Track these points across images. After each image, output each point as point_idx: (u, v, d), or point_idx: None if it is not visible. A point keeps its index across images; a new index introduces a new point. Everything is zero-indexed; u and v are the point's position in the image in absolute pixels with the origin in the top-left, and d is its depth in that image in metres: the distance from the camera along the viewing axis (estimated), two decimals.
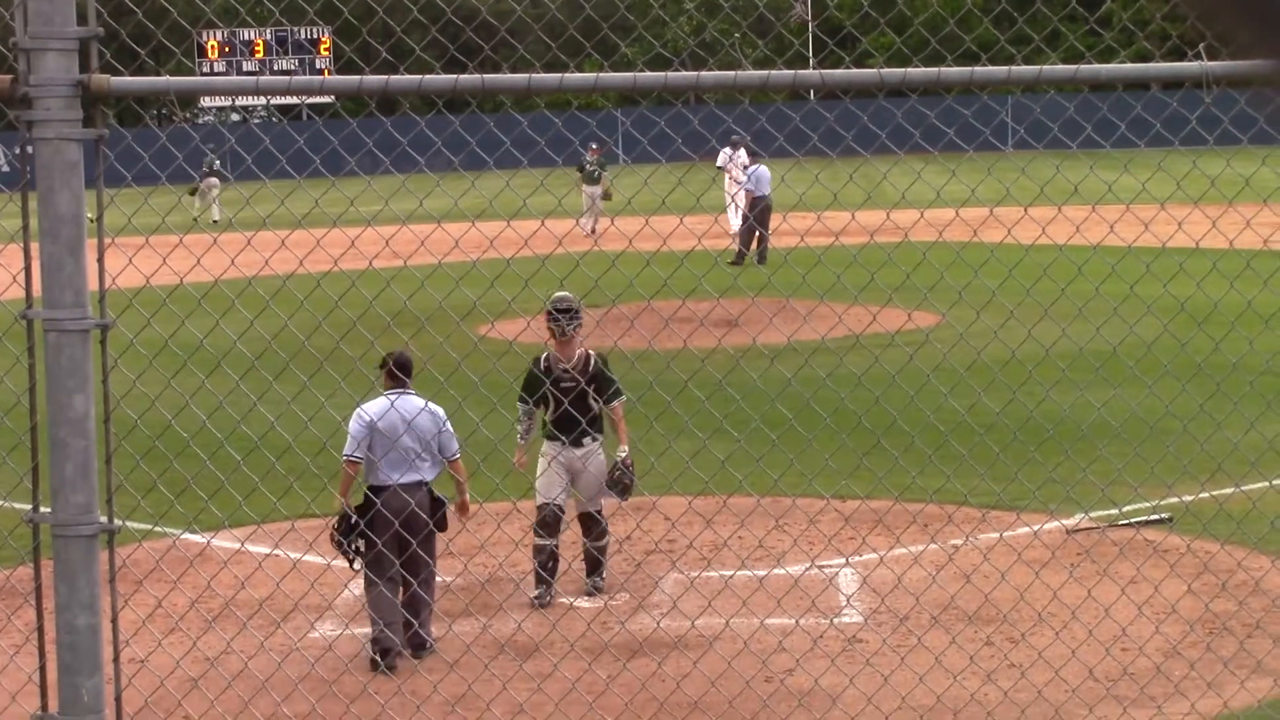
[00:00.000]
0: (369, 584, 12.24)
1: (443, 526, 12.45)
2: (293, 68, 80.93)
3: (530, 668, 12.26)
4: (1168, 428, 16.60)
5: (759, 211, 38.68)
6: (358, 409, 12.41)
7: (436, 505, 12.38)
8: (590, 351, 14.08)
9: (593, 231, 43.18)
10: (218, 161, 58.82)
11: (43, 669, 6.24)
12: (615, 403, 13.89)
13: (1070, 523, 15.39)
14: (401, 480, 12.20)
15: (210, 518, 14.67)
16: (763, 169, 39.65)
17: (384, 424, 12.20)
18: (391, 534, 11.92)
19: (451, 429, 12.45)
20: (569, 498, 13.89)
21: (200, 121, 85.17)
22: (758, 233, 38.52)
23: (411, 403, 12.24)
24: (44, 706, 6.13)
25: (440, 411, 12.42)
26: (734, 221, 45.03)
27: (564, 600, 13.74)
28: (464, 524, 12.83)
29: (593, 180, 45.41)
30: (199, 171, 57.49)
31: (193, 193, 57.19)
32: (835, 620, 13.16)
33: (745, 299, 24.47)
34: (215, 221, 52.54)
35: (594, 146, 47.59)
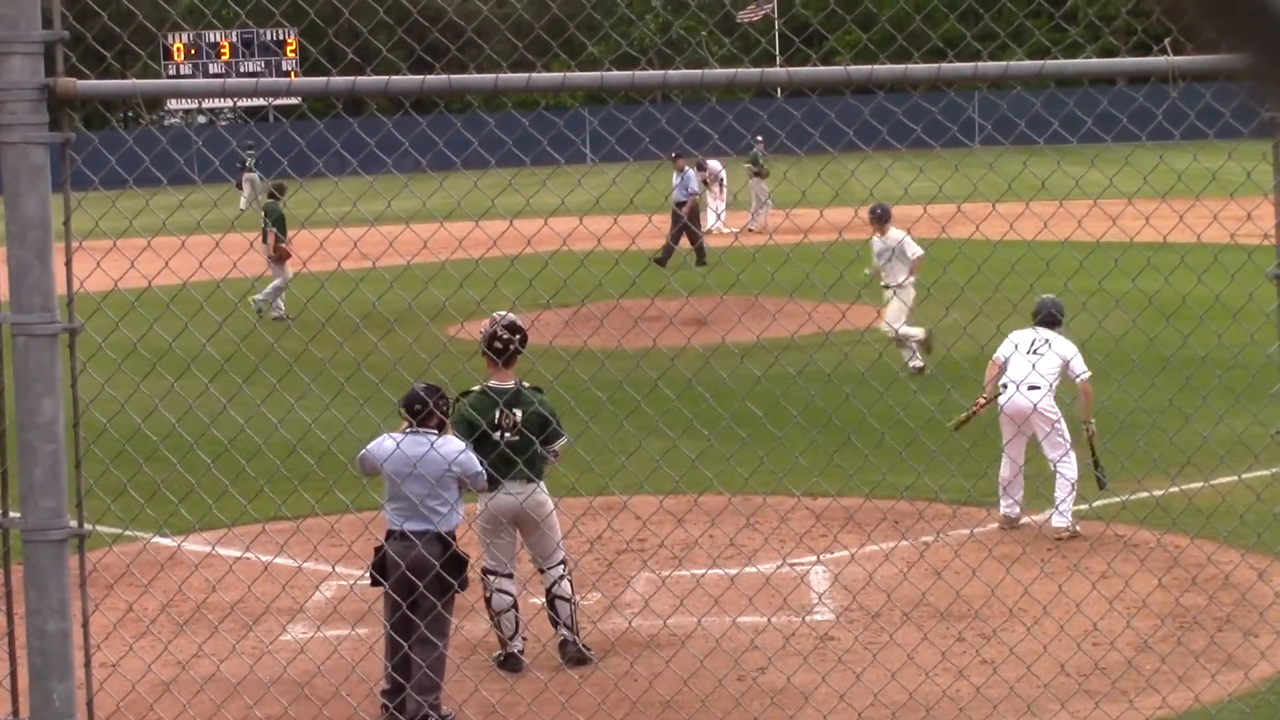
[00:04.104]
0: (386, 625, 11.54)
1: (463, 586, 11.33)
2: (259, 69, 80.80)
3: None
4: (1137, 422, 16.64)
5: (691, 212, 38.55)
6: (381, 437, 11.53)
7: (453, 560, 11.29)
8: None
9: (763, 227, 42.88)
10: (250, 159, 59.00)
11: (13, 674, 6.21)
12: None
13: (1041, 518, 15.41)
14: (408, 527, 11.29)
15: (181, 521, 14.64)
16: (690, 170, 39.62)
17: (389, 466, 11.31)
18: (395, 583, 11.16)
19: (474, 466, 11.46)
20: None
21: (167, 124, 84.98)
22: (690, 233, 38.25)
23: (419, 444, 11.23)
24: (15, 712, 6.11)
25: (455, 452, 11.38)
26: (709, 220, 45.10)
27: (534, 601, 13.72)
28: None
29: (762, 174, 44.50)
30: (235, 169, 57.88)
31: (239, 188, 57.63)
32: (807, 618, 13.17)
33: (714, 297, 24.47)
34: (242, 210, 52.63)
35: (759, 139, 46.22)
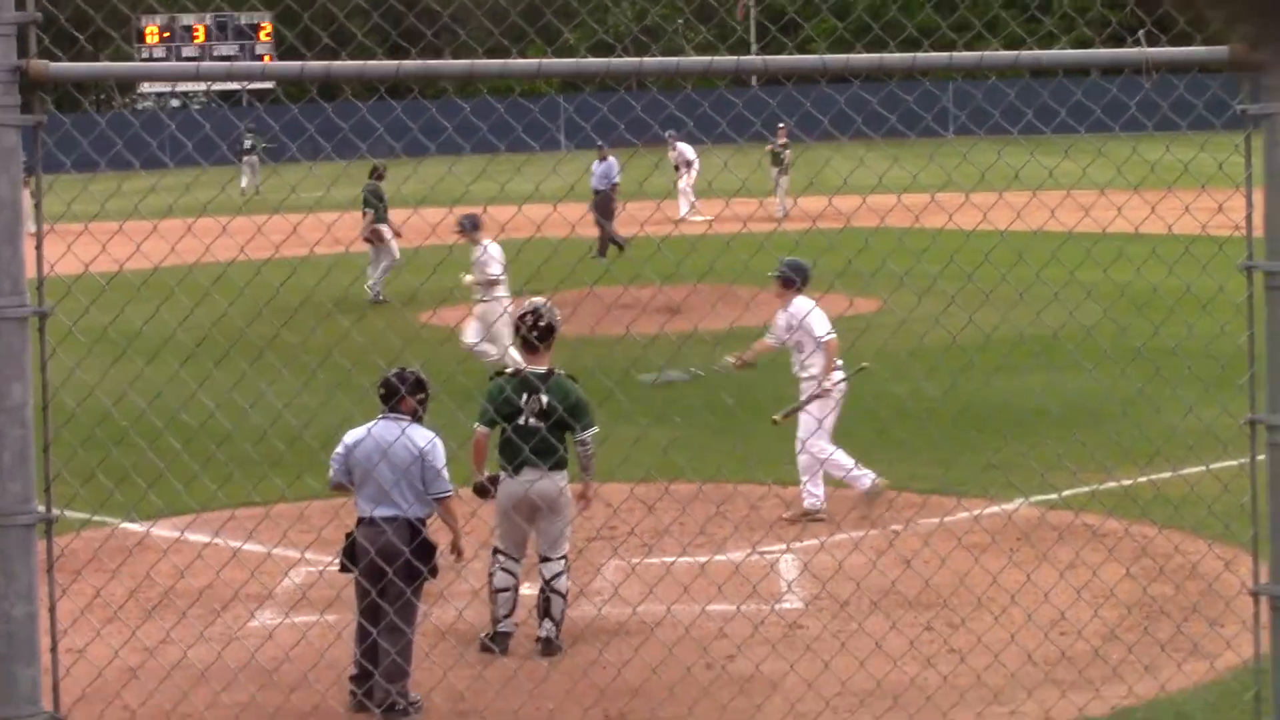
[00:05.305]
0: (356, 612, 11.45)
1: (433, 573, 11.26)
2: (233, 53, 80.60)
3: (471, 655, 12.24)
4: (1107, 412, 16.69)
5: (604, 204, 38.00)
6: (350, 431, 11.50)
7: (422, 547, 11.22)
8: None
9: (784, 215, 42.54)
10: (248, 141, 58.17)
11: None
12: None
13: (1010, 507, 15.43)
14: (377, 513, 11.20)
15: (149, 506, 14.61)
16: (613, 159, 39.21)
17: (359, 452, 11.26)
18: (364, 569, 11.09)
19: (439, 462, 11.29)
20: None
21: (139, 107, 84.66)
22: (599, 225, 37.72)
23: (390, 429, 11.21)
24: None
25: (423, 441, 11.26)
26: (682, 208, 45.08)
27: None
28: (457, 567, 11.76)
29: (779, 162, 44.04)
30: (234, 151, 57.12)
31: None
32: (776, 606, 13.18)
33: (687, 285, 24.45)
34: (243, 190, 52.23)
35: (780, 127, 45.71)
